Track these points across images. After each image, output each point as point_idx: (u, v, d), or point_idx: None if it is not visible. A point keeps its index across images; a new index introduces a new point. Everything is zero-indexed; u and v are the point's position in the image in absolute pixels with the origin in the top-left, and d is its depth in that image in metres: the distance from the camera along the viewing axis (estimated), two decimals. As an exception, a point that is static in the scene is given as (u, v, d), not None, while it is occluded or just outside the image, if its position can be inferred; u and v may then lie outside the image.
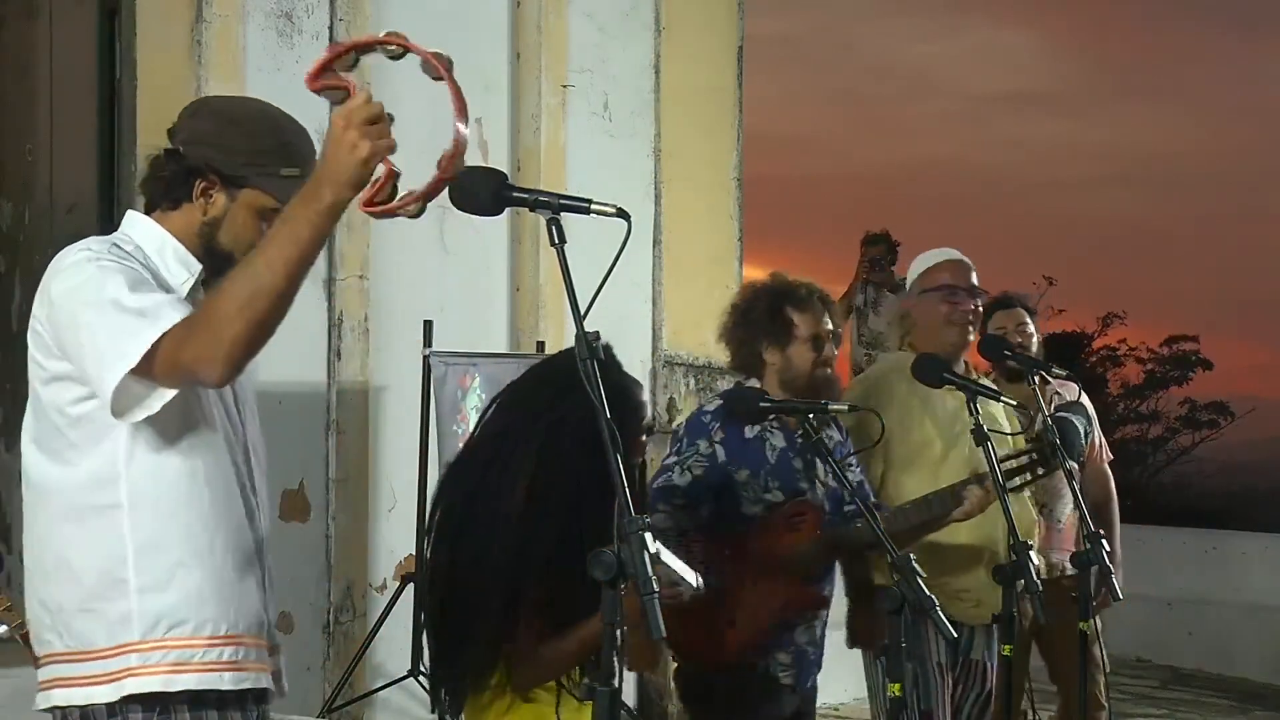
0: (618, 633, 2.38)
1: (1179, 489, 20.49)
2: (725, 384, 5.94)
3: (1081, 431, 5.74)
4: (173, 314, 2.48)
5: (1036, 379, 4.37)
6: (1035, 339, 5.67)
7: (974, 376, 4.46)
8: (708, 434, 4.08)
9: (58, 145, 5.66)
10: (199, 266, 2.70)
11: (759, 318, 4.17)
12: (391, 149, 2.38)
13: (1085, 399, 5.91)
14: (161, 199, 2.71)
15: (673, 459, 4.08)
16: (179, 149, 2.70)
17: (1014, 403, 4.22)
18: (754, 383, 4.13)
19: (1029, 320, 5.66)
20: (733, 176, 7.41)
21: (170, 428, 2.62)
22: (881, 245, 10.24)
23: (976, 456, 4.27)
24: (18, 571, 5.67)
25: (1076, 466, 5.68)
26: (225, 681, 2.65)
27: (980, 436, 3.91)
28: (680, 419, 6.94)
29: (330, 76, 2.41)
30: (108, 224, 5.37)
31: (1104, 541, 5.88)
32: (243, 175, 2.67)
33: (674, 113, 7.09)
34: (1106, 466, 6.00)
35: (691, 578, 2.57)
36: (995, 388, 4.31)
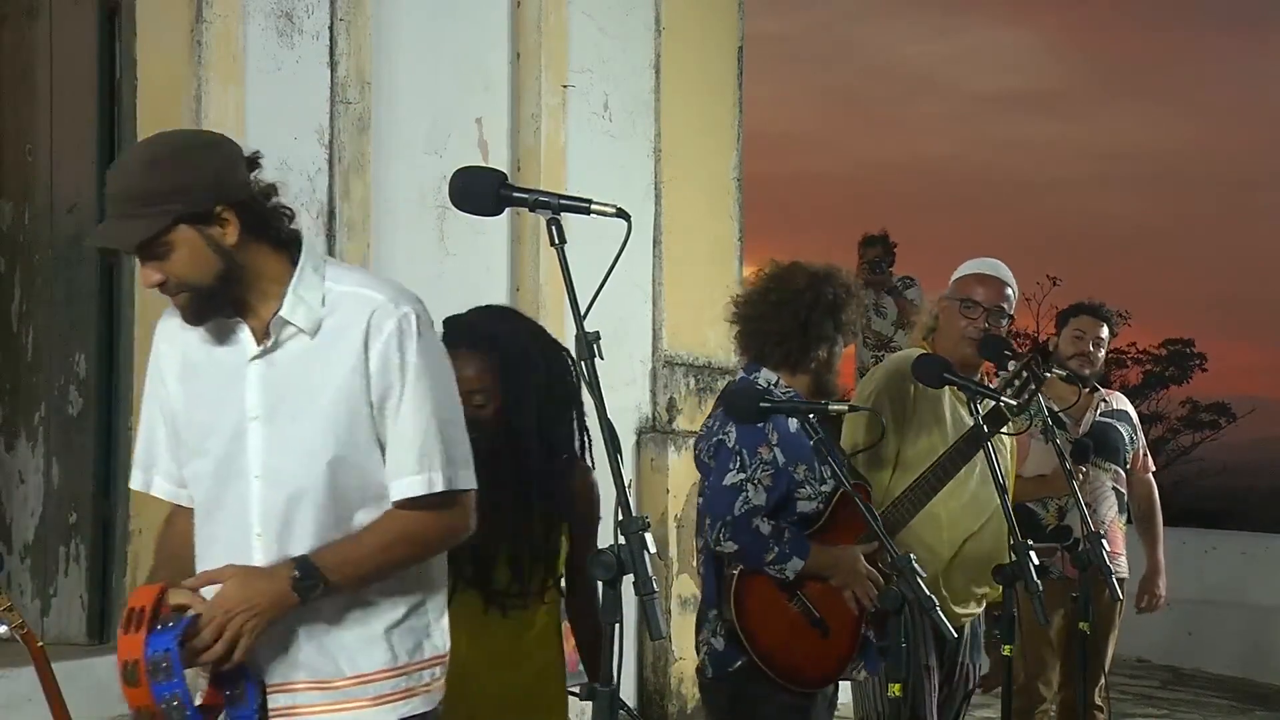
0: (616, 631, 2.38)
1: (1179, 489, 20.49)
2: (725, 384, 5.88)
3: (1126, 439, 5.78)
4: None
5: (1026, 378, 4.36)
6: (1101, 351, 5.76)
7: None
8: (765, 438, 3.82)
9: (58, 145, 5.64)
10: None
11: (829, 307, 3.93)
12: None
13: (1131, 409, 5.95)
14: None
15: (738, 475, 3.79)
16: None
17: (1013, 402, 4.21)
18: (766, 376, 3.95)
19: (1095, 330, 5.75)
20: (732, 176, 7.40)
21: None
22: (879, 247, 10.24)
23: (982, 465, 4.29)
24: (18, 572, 5.66)
25: (1120, 470, 5.72)
26: (426, 703, 2.72)
27: (980, 436, 3.92)
28: (680, 420, 6.92)
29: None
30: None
31: (1146, 550, 6.00)
32: None
33: (674, 113, 7.08)
34: (1150, 477, 6.01)
35: None
36: (994, 389, 4.30)
